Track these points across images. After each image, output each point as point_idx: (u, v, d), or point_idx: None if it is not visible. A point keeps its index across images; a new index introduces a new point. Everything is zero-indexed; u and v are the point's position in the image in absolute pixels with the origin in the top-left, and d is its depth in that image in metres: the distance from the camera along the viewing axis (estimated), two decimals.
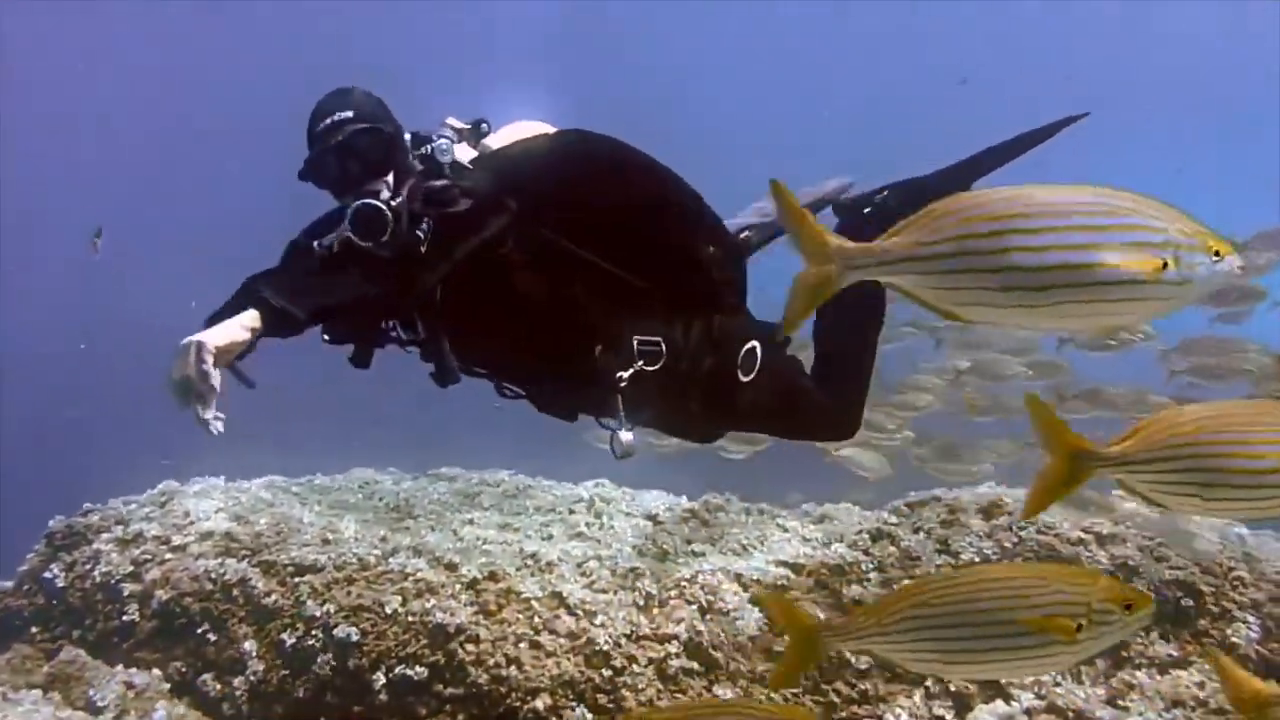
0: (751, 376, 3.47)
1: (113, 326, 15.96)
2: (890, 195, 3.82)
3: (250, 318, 2.63)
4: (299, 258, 3.20)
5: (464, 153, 3.17)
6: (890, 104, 23.19)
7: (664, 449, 7.23)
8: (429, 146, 3.09)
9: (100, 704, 4.35)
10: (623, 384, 3.20)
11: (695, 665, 4.46)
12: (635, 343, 3.23)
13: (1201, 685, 4.20)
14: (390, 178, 3.03)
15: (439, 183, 3.01)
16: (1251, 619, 4.41)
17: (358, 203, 2.93)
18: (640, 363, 3.21)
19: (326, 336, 3.17)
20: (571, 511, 6.21)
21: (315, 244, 3.04)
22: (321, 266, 2.98)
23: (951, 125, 8.85)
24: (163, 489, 5.88)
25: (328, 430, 11.83)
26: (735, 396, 3.48)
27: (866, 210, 3.86)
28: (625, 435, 3.25)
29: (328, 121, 3.04)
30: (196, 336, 2.54)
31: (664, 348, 3.26)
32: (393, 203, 2.95)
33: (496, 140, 3.30)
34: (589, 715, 4.30)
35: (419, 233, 2.93)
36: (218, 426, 2.79)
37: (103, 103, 22.96)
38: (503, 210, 3.01)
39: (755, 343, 3.47)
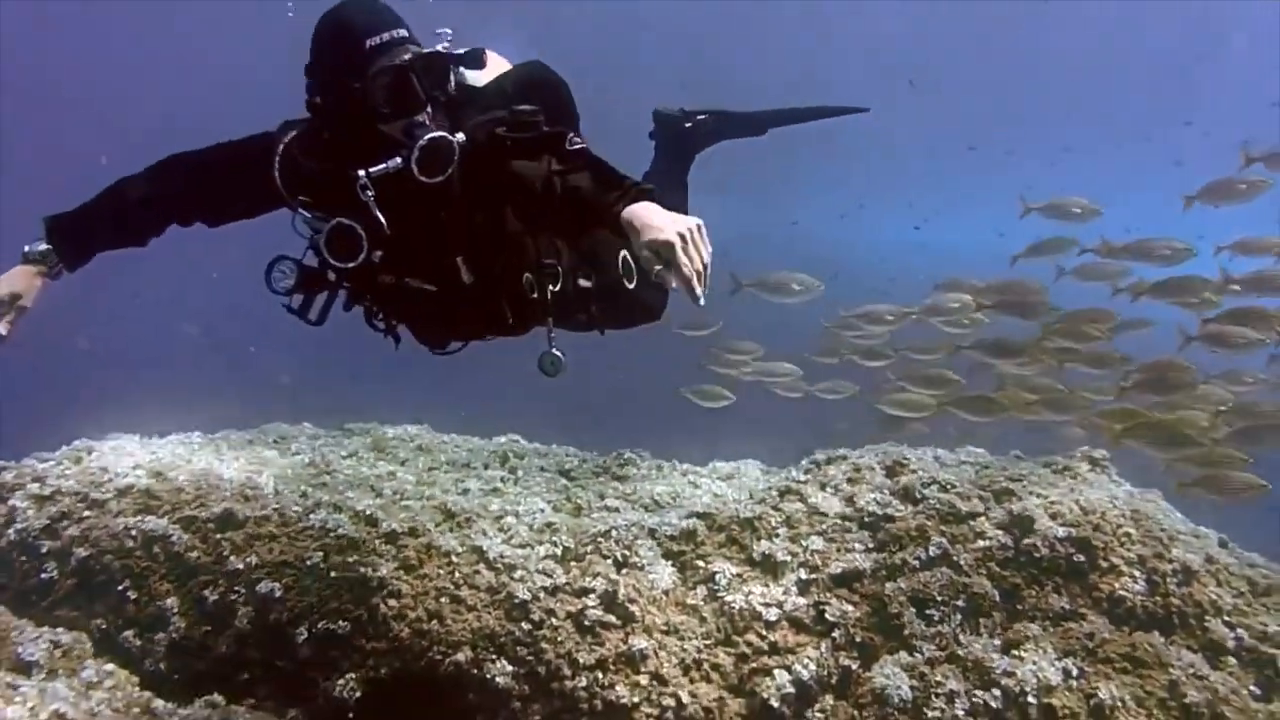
0: (635, 284, 3.66)
1: None
2: (709, 119, 4.65)
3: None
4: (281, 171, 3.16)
5: None
6: None
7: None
8: None
9: (29, 660, 4.33)
10: (548, 305, 3.36)
11: (612, 618, 4.57)
12: (542, 265, 3.38)
13: (1091, 636, 4.45)
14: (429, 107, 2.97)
15: (526, 106, 3.01)
16: (1138, 573, 4.66)
17: (433, 135, 2.88)
18: (550, 285, 3.37)
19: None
20: (486, 466, 6.29)
21: (361, 172, 2.92)
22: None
23: None
24: (78, 445, 5.77)
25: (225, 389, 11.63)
26: (620, 301, 3.73)
27: (688, 125, 4.43)
28: (556, 352, 3.41)
29: (387, 36, 2.88)
30: (696, 219, 2.51)
31: (559, 268, 3.39)
32: (457, 138, 2.94)
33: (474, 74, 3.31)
34: (509, 668, 4.42)
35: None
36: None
37: None
38: None
39: (625, 252, 3.62)
